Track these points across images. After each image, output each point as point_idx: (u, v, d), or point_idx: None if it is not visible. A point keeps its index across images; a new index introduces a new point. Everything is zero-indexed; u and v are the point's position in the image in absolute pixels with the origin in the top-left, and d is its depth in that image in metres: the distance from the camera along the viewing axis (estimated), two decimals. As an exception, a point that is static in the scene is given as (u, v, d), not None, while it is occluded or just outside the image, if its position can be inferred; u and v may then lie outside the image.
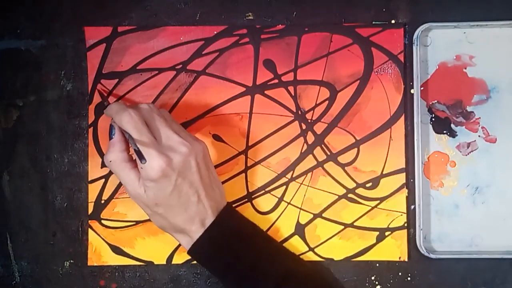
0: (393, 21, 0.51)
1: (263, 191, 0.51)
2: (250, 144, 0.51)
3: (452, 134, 0.51)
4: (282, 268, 0.45)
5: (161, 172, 0.41)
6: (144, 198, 0.43)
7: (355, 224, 0.51)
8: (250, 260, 0.44)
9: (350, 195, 0.51)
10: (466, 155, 0.51)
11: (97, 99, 0.51)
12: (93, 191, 0.51)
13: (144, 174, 0.42)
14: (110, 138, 0.44)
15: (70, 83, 0.51)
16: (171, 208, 0.43)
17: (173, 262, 0.51)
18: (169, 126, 0.44)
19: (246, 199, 0.51)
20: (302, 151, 0.51)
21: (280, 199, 0.51)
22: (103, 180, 0.51)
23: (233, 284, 0.45)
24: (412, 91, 0.51)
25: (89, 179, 0.51)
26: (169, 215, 0.43)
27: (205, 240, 0.44)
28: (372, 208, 0.51)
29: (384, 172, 0.51)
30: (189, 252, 0.45)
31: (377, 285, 0.51)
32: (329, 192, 0.51)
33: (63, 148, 0.51)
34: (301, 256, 0.51)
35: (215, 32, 0.51)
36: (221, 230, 0.44)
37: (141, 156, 0.40)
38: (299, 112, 0.51)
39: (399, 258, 0.50)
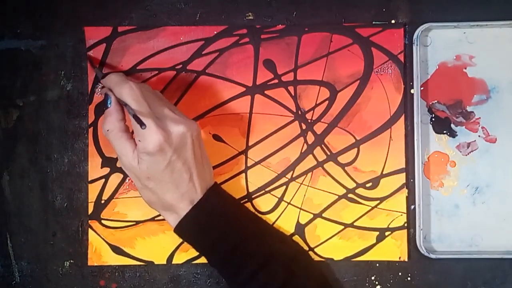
0: (393, 21, 0.51)
1: (263, 191, 0.51)
2: (250, 144, 0.51)
3: (452, 134, 0.51)
4: (267, 248, 0.45)
5: (158, 146, 0.41)
6: (136, 170, 0.43)
7: (355, 224, 0.51)
8: (235, 239, 0.44)
9: (350, 195, 0.51)
10: (466, 155, 0.51)
11: (97, 99, 0.51)
12: (93, 191, 0.51)
13: (141, 146, 0.42)
14: (106, 107, 0.44)
15: (70, 83, 0.51)
16: (163, 183, 0.43)
17: (173, 262, 0.51)
18: (165, 105, 0.44)
19: (246, 199, 0.51)
20: (302, 151, 0.51)
21: (280, 199, 0.51)
22: (103, 180, 0.51)
23: (218, 262, 0.45)
24: (412, 91, 0.51)
25: (89, 179, 0.51)
26: (159, 191, 0.44)
27: (191, 217, 0.44)
28: (372, 208, 0.51)
29: (384, 172, 0.51)
30: (175, 230, 0.45)
31: (377, 285, 0.51)
32: (329, 192, 0.51)
33: (63, 148, 0.51)
34: (301, 256, 0.51)
35: (215, 32, 0.51)
36: (207, 208, 0.45)
37: (140, 122, 0.40)
38: (299, 112, 0.51)
39: (399, 258, 0.50)
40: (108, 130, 0.44)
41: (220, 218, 0.45)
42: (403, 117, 0.51)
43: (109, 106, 0.44)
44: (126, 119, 0.45)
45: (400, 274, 0.51)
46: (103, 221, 0.51)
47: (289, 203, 0.51)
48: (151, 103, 0.43)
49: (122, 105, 0.44)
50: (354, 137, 0.51)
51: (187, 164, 0.44)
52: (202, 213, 0.44)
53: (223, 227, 0.45)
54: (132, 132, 0.44)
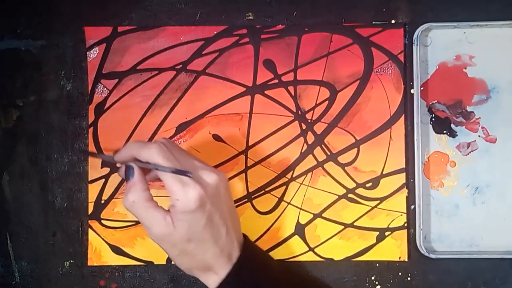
0: (393, 21, 0.51)
1: (263, 191, 0.51)
2: (250, 144, 0.51)
3: (452, 134, 0.51)
4: None
5: (199, 200, 0.38)
6: (173, 237, 0.40)
7: (355, 224, 0.51)
8: None
9: (350, 195, 0.51)
10: (466, 155, 0.51)
11: (97, 99, 0.51)
12: (93, 191, 0.51)
13: (181, 206, 0.39)
14: (127, 179, 0.40)
15: (70, 83, 0.51)
16: (203, 242, 0.40)
17: (173, 262, 0.51)
18: (192, 157, 0.42)
19: (246, 199, 0.51)
20: (302, 151, 0.51)
21: (280, 199, 0.51)
22: (103, 180, 0.51)
23: None
24: (412, 91, 0.51)
25: (89, 179, 0.51)
26: (200, 251, 0.40)
27: (233, 277, 0.41)
28: (372, 208, 0.51)
29: (384, 172, 0.51)
30: None
31: (377, 285, 0.51)
32: (329, 192, 0.51)
33: (63, 148, 0.51)
34: (301, 256, 0.51)
35: (215, 32, 0.51)
36: (247, 266, 0.42)
37: (184, 172, 0.38)
38: (299, 112, 0.51)
39: (399, 258, 0.50)
40: (133, 202, 0.40)
41: (260, 275, 0.42)
42: (403, 117, 0.51)
43: (131, 178, 0.40)
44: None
45: (400, 274, 0.51)
46: (103, 221, 0.51)
47: (289, 203, 0.51)
48: (179, 157, 0.40)
49: (145, 174, 0.41)
50: (354, 137, 0.51)
51: (223, 217, 0.41)
52: (243, 272, 0.42)
53: (264, 284, 0.42)
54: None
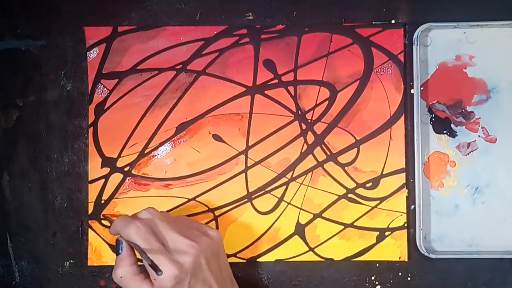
0: (393, 21, 0.51)
1: (263, 191, 0.51)
2: (250, 144, 0.51)
3: (452, 134, 0.51)
4: None
5: (174, 279, 0.40)
6: None
7: (355, 224, 0.51)
8: None
9: (350, 195, 0.51)
10: (466, 155, 0.51)
11: (97, 99, 0.51)
12: (93, 191, 0.51)
13: (158, 285, 0.41)
14: (117, 253, 0.43)
15: (70, 83, 0.51)
16: None
17: None
18: (174, 229, 0.43)
19: (246, 199, 0.51)
20: (302, 151, 0.51)
21: (280, 199, 0.51)
22: (103, 180, 0.51)
23: None
24: (412, 91, 0.51)
25: (89, 179, 0.51)
26: None
27: None
28: (372, 208, 0.51)
29: (384, 172, 0.51)
30: None
31: (377, 285, 0.51)
32: (329, 192, 0.51)
33: (63, 148, 0.51)
34: (301, 256, 0.51)
35: (215, 32, 0.51)
36: None
37: (156, 269, 0.39)
38: (299, 112, 0.51)
39: (399, 258, 0.50)
40: (121, 277, 0.42)
41: None
42: (403, 117, 0.51)
43: (120, 252, 0.43)
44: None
45: (400, 274, 0.51)
46: (103, 221, 0.51)
47: (289, 203, 0.51)
48: (159, 232, 0.42)
49: (133, 248, 0.42)
50: (354, 137, 0.51)
51: (207, 283, 0.42)
52: None
53: None
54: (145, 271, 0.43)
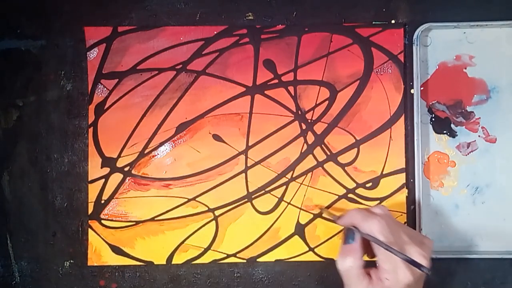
0: (393, 21, 0.51)
1: (263, 191, 0.51)
2: (250, 144, 0.51)
3: (452, 134, 0.51)
4: None
5: (406, 287, 0.40)
6: None
7: (355, 224, 0.51)
8: None
9: (350, 195, 0.51)
10: (466, 155, 0.51)
11: (97, 99, 0.51)
12: (93, 191, 0.51)
13: (389, 285, 0.40)
14: (347, 242, 0.42)
15: (70, 83, 0.51)
16: None
17: (173, 262, 0.51)
18: (404, 232, 0.42)
19: (246, 199, 0.51)
20: (302, 151, 0.51)
21: (280, 199, 0.51)
22: (103, 180, 0.51)
23: None
24: (412, 91, 0.51)
25: (89, 179, 0.51)
26: None
27: None
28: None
29: (384, 172, 0.51)
30: None
31: (377, 285, 0.50)
32: (329, 192, 0.51)
33: (63, 148, 0.51)
34: (301, 256, 0.51)
35: (215, 32, 0.51)
36: None
37: (418, 265, 0.39)
38: (299, 112, 0.51)
39: (399, 258, 0.50)
40: (351, 267, 0.42)
41: None
42: (403, 117, 0.51)
43: (351, 242, 0.42)
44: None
45: (400, 274, 0.50)
46: (103, 221, 0.51)
47: (289, 203, 0.51)
48: (393, 233, 0.42)
49: (363, 241, 0.42)
50: (354, 137, 0.51)
51: None
52: None
53: None
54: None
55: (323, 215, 0.51)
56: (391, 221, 0.43)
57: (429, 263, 0.41)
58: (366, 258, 0.43)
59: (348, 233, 0.43)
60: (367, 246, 0.43)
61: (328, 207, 0.51)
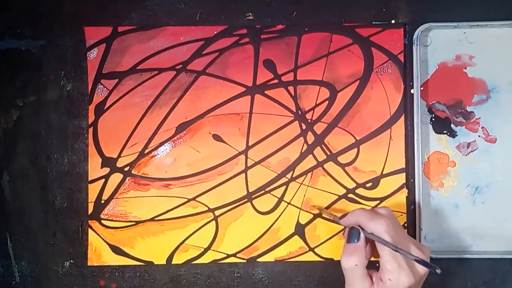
0: (393, 21, 0.51)
1: (263, 191, 0.51)
2: (250, 144, 0.51)
3: (452, 134, 0.51)
4: None
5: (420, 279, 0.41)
6: None
7: (355, 224, 0.51)
8: None
9: (350, 195, 0.51)
10: (466, 155, 0.51)
11: (97, 99, 0.51)
12: (93, 191, 0.51)
13: (390, 286, 0.40)
14: (352, 241, 0.42)
15: (70, 83, 0.51)
16: None
17: (173, 262, 0.51)
18: (407, 235, 0.43)
19: (246, 199, 0.51)
20: (302, 151, 0.51)
21: (280, 199, 0.51)
22: (103, 180, 0.51)
23: None
24: (412, 91, 0.51)
25: (89, 179, 0.51)
26: None
27: None
28: (372, 208, 0.51)
29: (384, 172, 0.51)
30: None
31: (377, 285, 0.50)
32: (329, 192, 0.51)
33: (63, 148, 0.51)
34: (301, 256, 0.51)
35: (215, 32, 0.51)
36: None
37: (429, 265, 0.39)
38: (299, 112, 0.51)
39: (399, 258, 0.50)
40: (356, 265, 0.41)
41: None
42: (403, 117, 0.51)
43: (356, 241, 0.42)
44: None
45: (400, 274, 0.50)
46: (103, 221, 0.51)
47: (289, 203, 0.51)
48: (398, 234, 0.42)
49: (368, 241, 0.42)
50: (354, 137, 0.51)
51: None
52: None
53: None
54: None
55: (323, 215, 0.51)
56: (396, 222, 0.43)
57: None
58: (374, 258, 0.43)
59: (353, 232, 0.43)
60: (369, 247, 0.43)
61: (328, 207, 0.51)
